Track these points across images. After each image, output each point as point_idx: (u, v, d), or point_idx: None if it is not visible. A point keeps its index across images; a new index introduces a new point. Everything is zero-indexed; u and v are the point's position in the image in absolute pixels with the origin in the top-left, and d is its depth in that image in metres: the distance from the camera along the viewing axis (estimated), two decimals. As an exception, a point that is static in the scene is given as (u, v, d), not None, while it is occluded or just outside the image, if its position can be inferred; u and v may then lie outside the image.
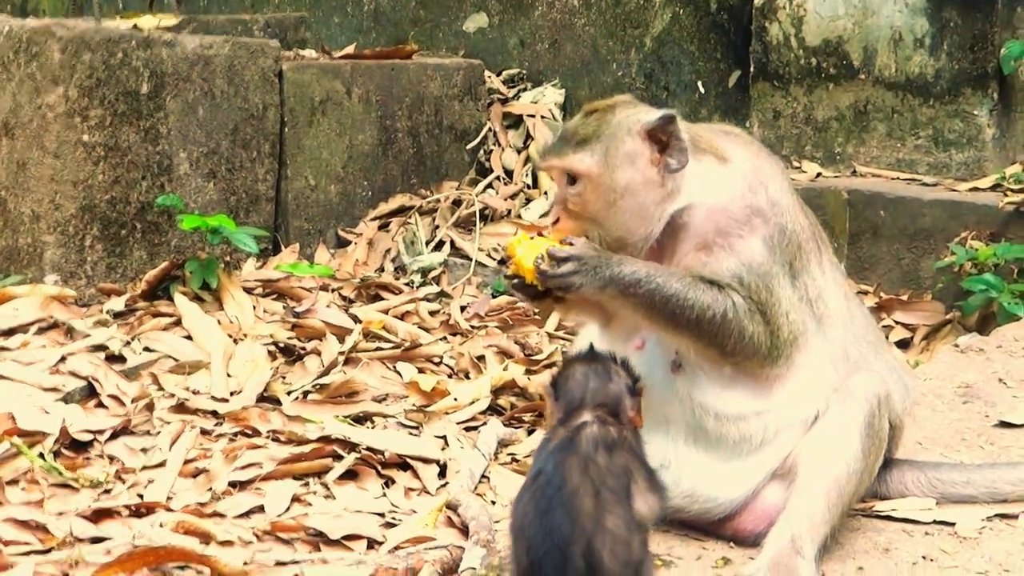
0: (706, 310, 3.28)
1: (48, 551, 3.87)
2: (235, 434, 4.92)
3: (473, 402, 5.34)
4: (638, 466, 2.96)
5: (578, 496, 2.82)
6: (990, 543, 3.44)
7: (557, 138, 3.50)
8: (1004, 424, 4.31)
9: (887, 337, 6.24)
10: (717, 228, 3.37)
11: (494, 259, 7.30)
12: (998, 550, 3.40)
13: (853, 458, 3.32)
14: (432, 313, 6.63)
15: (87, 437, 4.72)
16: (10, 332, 5.51)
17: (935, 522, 3.55)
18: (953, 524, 3.54)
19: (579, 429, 2.97)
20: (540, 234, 3.48)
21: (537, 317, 6.51)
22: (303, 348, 5.78)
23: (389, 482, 4.62)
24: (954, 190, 6.94)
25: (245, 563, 3.82)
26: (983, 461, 3.96)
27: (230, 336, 5.75)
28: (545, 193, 7.82)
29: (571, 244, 3.28)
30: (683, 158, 3.35)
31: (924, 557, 3.37)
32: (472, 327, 6.45)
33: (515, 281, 3.40)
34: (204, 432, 4.90)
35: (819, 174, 7.35)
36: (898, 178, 7.21)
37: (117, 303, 6.00)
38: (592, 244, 3.31)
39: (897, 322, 6.43)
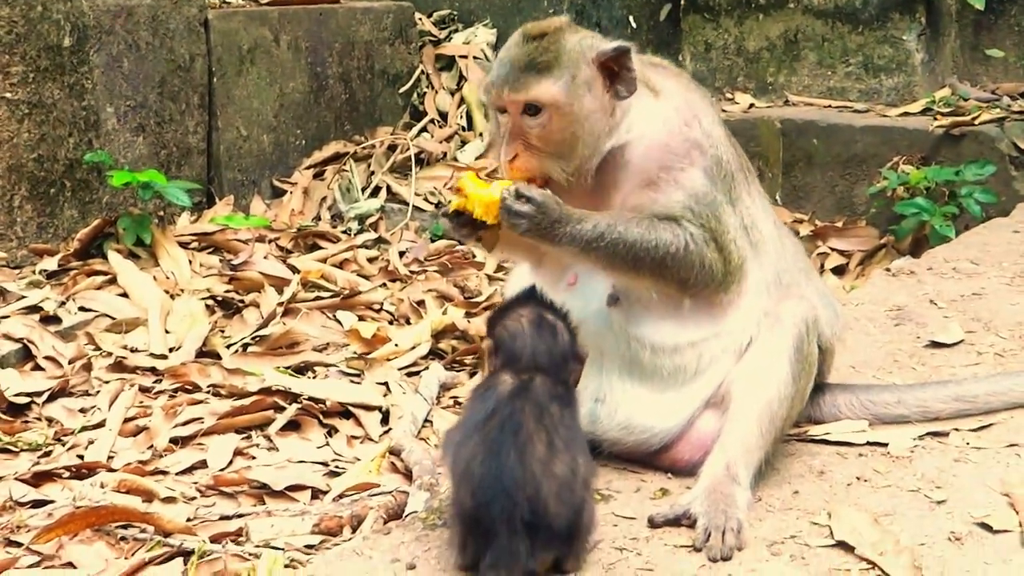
0: (668, 247, 3.28)
1: (-12, 516, 3.85)
2: (175, 390, 4.89)
3: (414, 347, 5.34)
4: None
5: (532, 442, 2.87)
6: (922, 461, 3.50)
7: (508, 69, 3.33)
8: (935, 344, 4.37)
9: (823, 264, 6.31)
10: (660, 164, 3.36)
11: (431, 203, 7.28)
12: (930, 467, 3.46)
13: (784, 383, 3.35)
14: (370, 260, 6.61)
15: (24, 400, 4.69)
16: (-60, 297, 5.44)
17: (868, 443, 3.60)
18: (886, 445, 3.59)
19: (531, 379, 3.00)
20: (487, 177, 3.44)
21: (476, 260, 6.51)
22: (241, 301, 5.75)
23: (332, 431, 4.62)
24: (885, 116, 7.00)
25: (189, 519, 3.82)
26: (914, 382, 4.01)
27: (167, 292, 5.71)
28: (480, 135, 7.79)
29: (535, 189, 3.25)
30: (632, 87, 3.33)
31: (858, 478, 3.42)
32: (411, 272, 6.44)
33: (460, 217, 3.34)
34: (143, 390, 4.87)
35: (752, 105, 7.38)
36: (830, 106, 7.26)
37: (50, 263, 5.93)
38: (555, 197, 3.27)
39: (833, 248, 6.50)
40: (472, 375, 5.06)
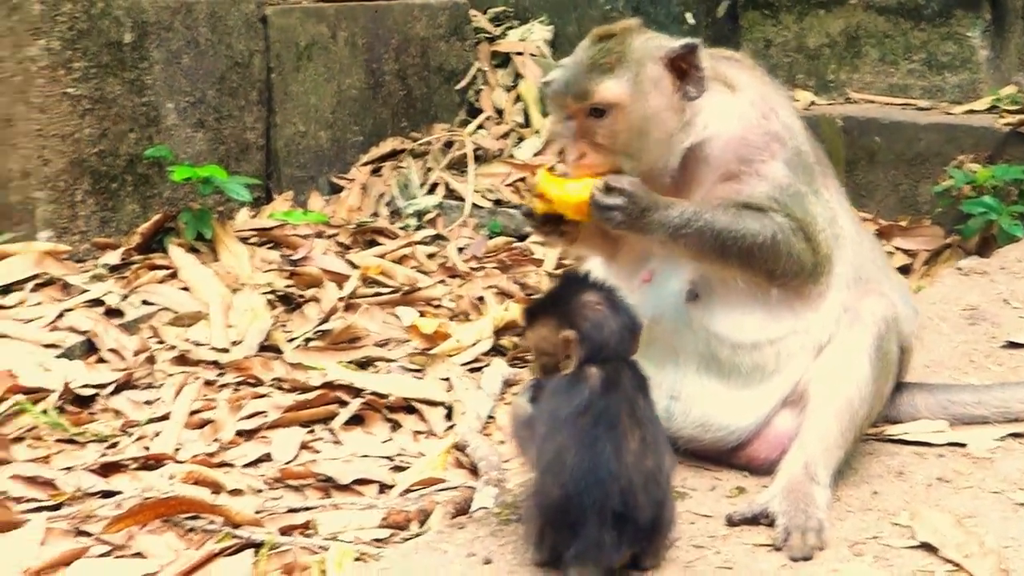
0: (756, 236, 3.23)
1: (58, 506, 3.86)
2: (238, 384, 4.90)
3: (475, 343, 5.32)
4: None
5: (627, 437, 2.84)
6: (1004, 462, 3.43)
7: (573, 71, 3.32)
8: (1011, 344, 4.29)
9: (887, 263, 6.23)
10: (740, 157, 3.32)
11: (489, 200, 7.25)
12: (1012, 469, 3.39)
13: (864, 382, 3.29)
14: (429, 256, 6.59)
15: (90, 392, 4.71)
16: (6, 290, 5.46)
17: (948, 444, 3.54)
18: (966, 445, 3.52)
19: (618, 370, 2.95)
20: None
21: (535, 257, 6.48)
22: (301, 296, 5.74)
23: (396, 426, 4.61)
24: (949, 113, 6.90)
25: (257, 511, 3.81)
26: (993, 382, 3.94)
27: (228, 286, 5.71)
28: (537, 132, 7.76)
29: (622, 179, 3.22)
30: (702, 87, 3.29)
31: (938, 479, 3.36)
32: (470, 269, 6.42)
33: (545, 217, 3.32)
34: (207, 383, 4.88)
35: (813, 102, 7.30)
36: (892, 103, 7.17)
37: (112, 257, 5.95)
38: (642, 185, 3.23)
39: (897, 248, 6.42)
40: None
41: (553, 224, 3.31)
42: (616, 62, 3.27)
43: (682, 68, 3.30)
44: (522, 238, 6.82)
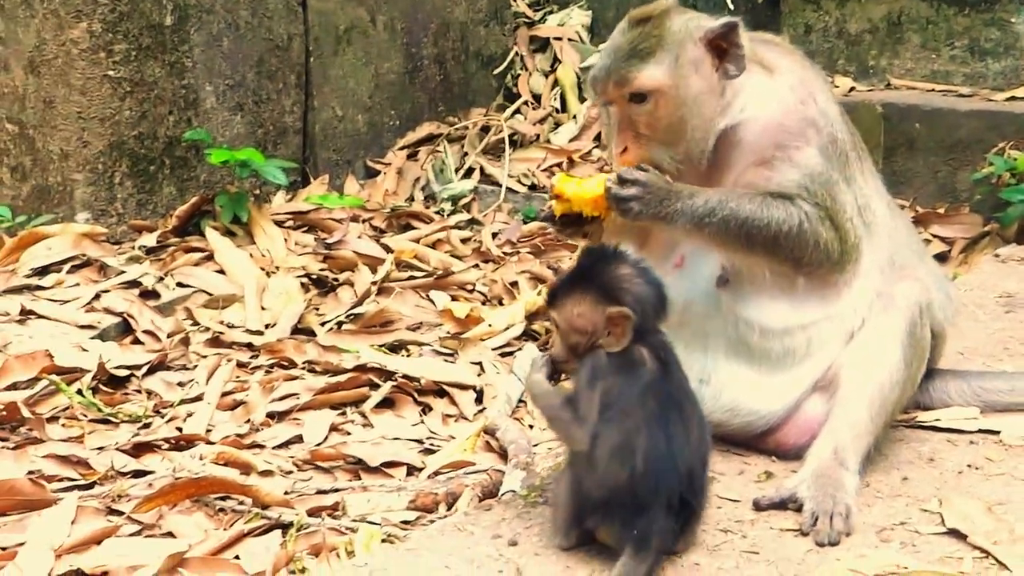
0: (782, 224, 3.21)
1: (91, 485, 3.90)
2: (271, 366, 4.92)
3: (508, 328, 5.32)
4: None
5: (691, 420, 2.85)
6: (1036, 451, 3.40)
7: (612, 59, 3.29)
8: (1048, 333, 4.25)
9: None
10: (775, 142, 3.29)
11: (524, 185, 7.24)
12: (1044, 457, 3.36)
13: (895, 367, 3.27)
14: (463, 241, 6.59)
15: (124, 373, 4.74)
16: (44, 271, 5.52)
17: (980, 431, 3.51)
18: (998, 432, 3.49)
19: (666, 348, 2.92)
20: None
21: (569, 242, 6.46)
22: (335, 279, 5.76)
23: (426, 409, 4.61)
24: (991, 100, 6.82)
25: (286, 492, 3.83)
26: (1028, 370, 3.90)
27: (262, 269, 5.74)
28: (574, 117, 7.73)
29: (639, 171, 3.20)
30: (741, 64, 3.26)
31: (969, 466, 3.33)
32: (504, 253, 6.41)
33: (565, 218, 3.30)
34: (240, 365, 4.91)
35: (852, 88, 7.23)
36: (933, 90, 7.09)
37: (149, 239, 6.00)
38: (659, 175, 3.21)
39: (935, 235, 6.35)
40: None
41: (575, 226, 3.30)
42: (656, 46, 3.25)
43: (722, 47, 3.28)
44: (557, 223, 6.79)
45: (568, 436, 2.96)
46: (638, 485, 2.74)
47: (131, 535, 3.58)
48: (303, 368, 4.89)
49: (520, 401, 4.63)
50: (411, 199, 7.21)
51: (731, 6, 7.87)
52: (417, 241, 6.43)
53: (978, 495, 3.15)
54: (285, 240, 6.15)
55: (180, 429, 4.37)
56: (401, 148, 7.49)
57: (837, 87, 7.20)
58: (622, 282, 2.94)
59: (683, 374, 2.94)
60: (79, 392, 4.50)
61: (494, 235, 6.69)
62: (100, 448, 4.17)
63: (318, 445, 4.27)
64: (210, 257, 5.83)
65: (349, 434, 4.40)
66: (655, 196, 3.17)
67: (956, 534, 2.97)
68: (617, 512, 2.78)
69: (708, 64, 3.28)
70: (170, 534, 3.59)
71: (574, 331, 2.98)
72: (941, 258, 6.23)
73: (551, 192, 3.33)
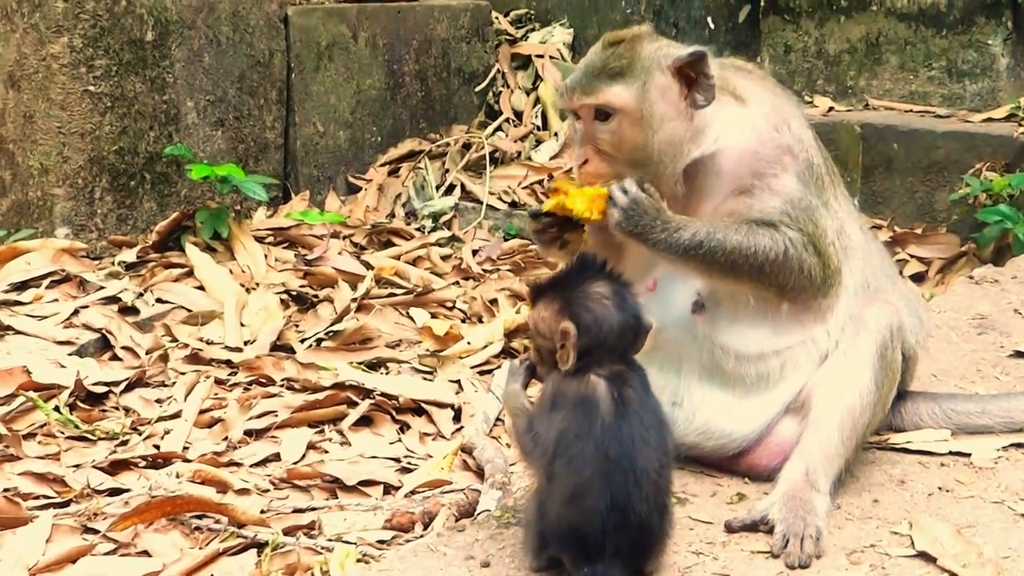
0: (768, 252, 3.23)
1: (66, 503, 3.90)
2: (249, 383, 4.93)
3: (487, 345, 5.34)
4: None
5: (641, 457, 2.79)
6: (1006, 472, 3.42)
7: (582, 74, 3.34)
8: (1019, 354, 4.27)
9: (902, 271, 6.21)
10: (752, 171, 3.31)
11: (505, 202, 7.27)
12: (1014, 479, 3.38)
13: (866, 390, 3.29)
14: (444, 258, 6.62)
15: (102, 389, 4.75)
16: (23, 286, 5.52)
17: (951, 453, 3.53)
18: (969, 455, 3.52)
19: (624, 379, 2.87)
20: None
21: (549, 260, 6.49)
22: (315, 296, 5.78)
23: (404, 427, 4.63)
24: (968, 121, 6.86)
25: (262, 511, 3.84)
26: (998, 392, 3.93)
27: (242, 285, 5.75)
28: (555, 134, 7.76)
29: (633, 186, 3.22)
30: (710, 95, 3.29)
31: (940, 488, 3.35)
32: (484, 271, 6.44)
33: (550, 218, 3.32)
34: (219, 382, 4.92)
35: (831, 108, 7.27)
36: (911, 110, 7.13)
37: (129, 255, 6.00)
38: (651, 199, 3.24)
39: (912, 255, 6.39)
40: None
41: (558, 228, 3.32)
42: (626, 68, 3.28)
43: (690, 76, 3.30)
44: (537, 241, 6.83)
45: (527, 464, 3.00)
46: (587, 537, 2.74)
47: (106, 554, 3.59)
48: (281, 385, 4.90)
49: (498, 420, 4.65)
50: (392, 216, 7.23)
51: (712, 26, 7.93)
52: (397, 258, 6.45)
53: (948, 517, 3.18)
54: (265, 256, 6.17)
55: (157, 447, 4.38)
56: (382, 164, 7.51)
57: (816, 107, 7.25)
58: (587, 299, 2.90)
59: (649, 404, 2.90)
60: (56, 409, 4.50)
61: (474, 252, 6.72)
62: (77, 465, 4.18)
63: (295, 463, 4.29)
64: (190, 273, 5.85)
65: (327, 452, 4.41)
66: (648, 216, 3.19)
67: (926, 556, 2.99)
68: (569, 550, 2.79)
69: (676, 92, 3.30)
70: (146, 553, 3.61)
71: (538, 334, 2.97)
72: (918, 278, 6.28)
73: (550, 188, 3.35)
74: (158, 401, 4.75)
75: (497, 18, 8.41)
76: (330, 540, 3.66)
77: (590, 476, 2.76)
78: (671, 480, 2.91)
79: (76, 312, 5.30)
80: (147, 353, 5.07)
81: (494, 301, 5.93)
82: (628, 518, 2.75)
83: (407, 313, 5.75)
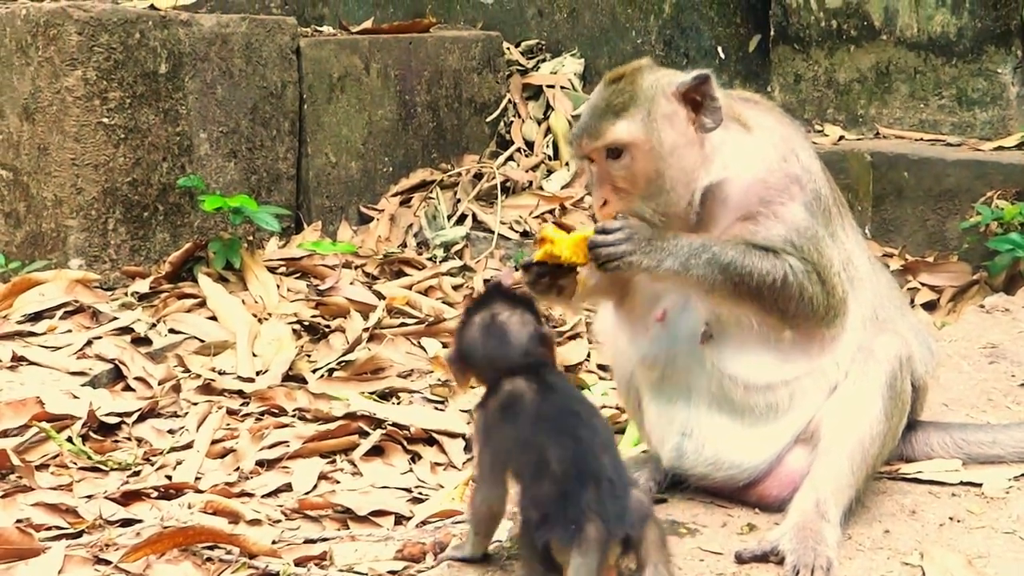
0: (765, 276, 3.24)
1: (79, 534, 3.91)
2: (261, 413, 4.94)
3: (498, 375, 5.33)
4: None
5: (578, 411, 2.94)
6: (1018, 502, 3.42)
7: (587, 117, 3.37)
8: (1031, 384, 4.28)
9: (913, 300, 6.21)
10: (759, 199, 3.32)
11: (516, 232, 7.29)
12: (1026, 510, 3.38)
13: (876, 420, 3.29)
14: (456, 287, 6.63)
15: (115, 420, 4.76)
16: (36, 317, 5.55)
17: (962, 483, 3.53)
18: (980, 485, 3.51)
19: (540, 372, 3.00)
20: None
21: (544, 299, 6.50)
22: (327, 326, 5.79)
23: (415, 457, 4.63)
24: (979, 150, 6.87)
25: (274, 542, 3.84)
26: (1010, 421, 3.92)
27: (255, 316, 5.77)
28: (566, 164, 7.79)
29: (621, 219, 3.24)
30: (718, 116, 3.30)
31: (951, 518, 3.35)
32: (496, 300, 6.43)
33: (542, 267, 3.33)
34: (231, 412, 4.93)
35: (842, 137, 7.30)
36: (922, 139, 7.15)
37: (142, 285, 6.03)
38: (641, 223, 3.25)
39: (923, 284, 6.38)
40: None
41: (551, 276, 3.32)
42: (628, 102, 3.30)
43: (696, 100, 3.32)
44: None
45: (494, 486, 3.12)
46: (566, 497, 2.77)
47: (118, 585, 3.59)
48: (293, 415, 4.91)
49: (508, 449, 4.64)
50: (404, 245, 7.26)
51: (722, 56, 7.96)
52: (409, 288, 6.47)
53: (959, 548, 3.17)
54: (278, 286, 6.19)
55: (169, 477, 4.39)
56: (394, 195, 7.54)
57: (826, 136, 7.27)
58: (464, 328, 3.11)
59: (568, 388, 3.03)
60: (69, 439, 4.52)
61: (486, 282, 6.72)
62: (89, 496, 4.19)
63: (307, 493, 4.29)
64: (203, 303, 5.87)
65: (338, 482, 4.41)
66: (642, 236, 3.20)
67: (937, 587, 2.99)
68: (554, 522, 2.78)
69: (683, 117, 3.32)
70: (157, 584, 3.61)
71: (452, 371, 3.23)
72: (930, 307, 6.27)
73: (535, 239, 3.37)
74: (170, 431, 4.77)
75: (508, 49, 8.45)
76: (341, 571, 3.65)
77: (542, 446, 2.84)
78: (614, 441, 2.94)
79: (89, 343, 5.32)
80: (159, 383, 5.08)
81: (505, 331, 5.92)
82: (592, 466, 2.79)
83: (419, 343, 5.76)
